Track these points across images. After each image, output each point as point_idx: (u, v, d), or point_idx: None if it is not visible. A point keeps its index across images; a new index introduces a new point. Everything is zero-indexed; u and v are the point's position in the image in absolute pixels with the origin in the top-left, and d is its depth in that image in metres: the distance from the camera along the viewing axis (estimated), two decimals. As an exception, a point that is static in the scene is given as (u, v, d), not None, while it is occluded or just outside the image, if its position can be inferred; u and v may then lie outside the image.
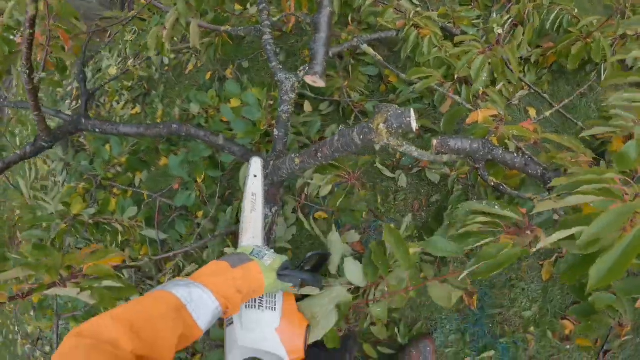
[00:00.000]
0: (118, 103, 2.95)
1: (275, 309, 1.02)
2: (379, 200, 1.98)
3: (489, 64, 1.68)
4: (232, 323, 1.03)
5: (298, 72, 1.51)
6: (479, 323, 1.72)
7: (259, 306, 1.02)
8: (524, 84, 2.10)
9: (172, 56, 2.79)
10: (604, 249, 0.68)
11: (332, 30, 1.42)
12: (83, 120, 1.60)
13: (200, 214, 2.24)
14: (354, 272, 1.16)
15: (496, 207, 0.94)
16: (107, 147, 2.40)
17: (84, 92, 1.76)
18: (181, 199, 2.07)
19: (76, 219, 2.22)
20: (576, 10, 2.17)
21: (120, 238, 2.29)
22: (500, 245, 0.85)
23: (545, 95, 2.16)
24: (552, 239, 0.75)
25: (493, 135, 1.26)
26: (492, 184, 1.24)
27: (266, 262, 1.00)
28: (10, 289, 1.10)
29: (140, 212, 2.24)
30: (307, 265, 1.16)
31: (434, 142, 1.18)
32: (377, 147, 1.09)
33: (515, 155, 1.20)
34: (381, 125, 1.06)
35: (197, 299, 0.81)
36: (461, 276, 0.89)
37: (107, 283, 1.10)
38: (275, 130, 1.52)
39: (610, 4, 2.22)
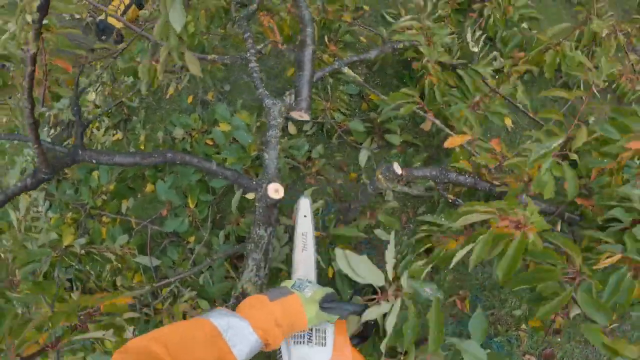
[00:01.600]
0: (98, 130, 3.03)
1: (325, 344, 1.02)
2: (368, 215, 2.12)
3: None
4: (281, 357, 1.04)
5: (284, 97, 1.66)
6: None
7: (308, 341, 1.02)
8: (497, 93, 2.28)
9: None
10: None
11: (314, 66, 1.57)
12: (80, 152, 1.70)
13: (191, 239, 2.35)
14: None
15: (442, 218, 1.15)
16: (95, 174, 2.49)
17: (79, 124, 1.86)
18: (172, 224, 2.18)
19: (68, 250, 2.31)
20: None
21: (111, 267, 2.38)
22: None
23: (519, 105, 2.34)
24: (458, 257, 1.14)
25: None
26: (450, 199, 1.64)
27: (307, 294, 1.01)
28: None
29: (131, 240, 2.34)
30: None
31: (403, 171, 1.53)
32: (384, 191, 1.33)
33: (467, 176, 1.58)
34: (380, 176, 1.57)
35: (234, 328, 0.85)
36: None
37: (127, 315, 1.21)
38: (265, 154, 1.64)
39: (579, 9, 2.42)
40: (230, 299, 1.70)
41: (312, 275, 1.26)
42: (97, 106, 3.05)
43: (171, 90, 2.80)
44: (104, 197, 2.65)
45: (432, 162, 2.16)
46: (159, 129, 2.67)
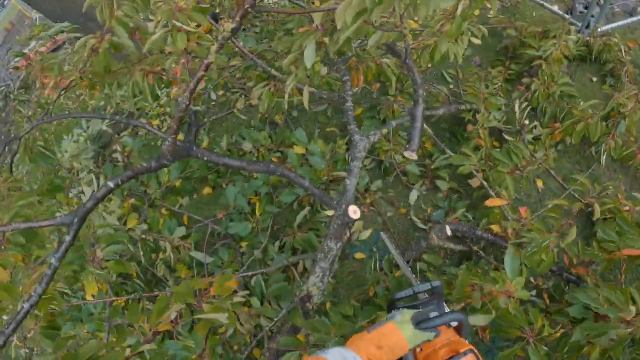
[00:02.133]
0: (159, 128, 3.31)
1: None
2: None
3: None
4: None
5: (369, 135, 1.98)
6: (490, 353, 2.15)
7: None
8: (534, 159, 2.61)
9: (221, 92, 3.20)
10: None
11: (423, 119, 1.91)
12: (194, 148, 1.98)
13: (244, 243, 2.61)
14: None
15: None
16: (165, 169, 2.76)
17: (193, 123, 2.17)
18: (237, 227, 2.44)
19: (128, 232, 2.56)
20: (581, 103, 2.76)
21: (164, 255, 2.63)
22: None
23: (552, 171, 2.68)
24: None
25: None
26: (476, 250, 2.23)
27: (397, 319, 1.15)
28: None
29: (191, 235, 2.60)
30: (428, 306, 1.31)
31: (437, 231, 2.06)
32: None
33: (489, 235, 2.11)
34: (433, 235, 2.06)
35: (339, 356, 1.02)
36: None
37: (236, 299, 1.47)
38: (347, 180, 1.94)
39: (606, 91, 2.80)
40: (293, 299, 1.98)
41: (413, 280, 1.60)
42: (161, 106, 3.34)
43: (239, 104, 3.09)
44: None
45: (472, 209, 2.48)
46: (222, 137, 2.95)
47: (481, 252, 2.29)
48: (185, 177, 2.83)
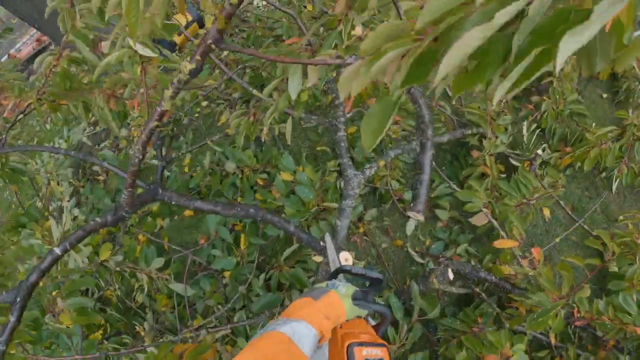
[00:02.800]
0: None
1: (322, 347, 1.16)
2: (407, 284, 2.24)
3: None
4: None
5: (365, 170, 1.78)
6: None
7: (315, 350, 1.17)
8: (543, 189, 2.44)
9: (205, 103, 3.00)
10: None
11: (431, 170, 1.70)
12: (160, 191, 1.77)
13: (227, 274, 2.43)
14: None
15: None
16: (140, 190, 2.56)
17: (160, 160, 1.94)
18: (221, 263, 2.25)
19: (102, 265, 2.37)
20: (593, 124, 2.57)
21: (139, 286, 2.45)
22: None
23: (560, 201, 2.50)
24: None
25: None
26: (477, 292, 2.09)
27: (341, 291, 1.15)
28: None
29: (171, 266, 2.41)
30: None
31: (438, 275, 1.90)
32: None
33: (493, 277, 1.99)
34: (434, 280, 1.90)
35: (298, 331, 0.98)
36: None
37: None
38: (338, 221, 1.76)
39: (622, 116, 2.61)
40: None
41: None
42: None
43: (223, 118, 2.89)
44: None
45: (475, 243, 2.30)
46: (205, 153, 2.75)
47: (483, 294, 2.13)
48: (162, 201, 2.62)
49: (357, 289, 1.20)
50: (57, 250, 1.37)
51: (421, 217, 1.71)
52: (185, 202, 1.78)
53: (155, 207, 2.62)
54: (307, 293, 1.16)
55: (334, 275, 1.30)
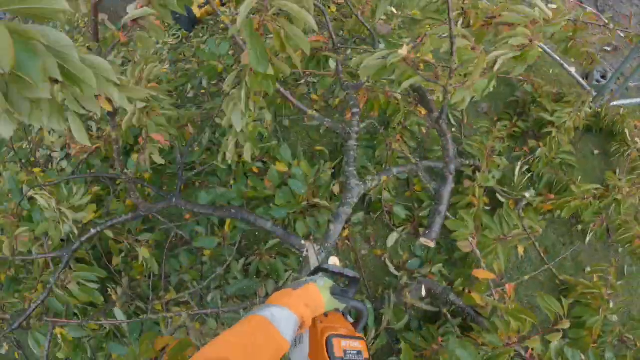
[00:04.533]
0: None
1: (303, 339, 1.20)
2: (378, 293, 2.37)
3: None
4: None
5: (366, 181, 1.91)
6: None
7: (295, 344, 1.21)
8: (523, 229, 2.59)
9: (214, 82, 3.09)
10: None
11: (450, 202, 1.84)
12: (174, 200, 2.12)
13: (207, 252, 2.51)
14: None
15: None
16: (135, 158, 2.62)
17: (180, 179, 2.29)
18: (204, 242, 2.34)
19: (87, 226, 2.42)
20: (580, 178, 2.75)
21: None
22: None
23: (536, 243, 2.67)
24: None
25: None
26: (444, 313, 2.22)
27: (320, 283, 1.21)
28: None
29: (153, 234, 2.48)
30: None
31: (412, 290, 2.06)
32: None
33: (462, 302, 2.12)
34: (407, 294, 2.08)
35: (278, 315, 1.04)
36: None
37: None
38: (332, 225, 1.86)
39: (608, 178, 2.79)
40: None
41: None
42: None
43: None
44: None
45: (450, 267, 2.44)
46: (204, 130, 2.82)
47: (449, 315, 2.25)
48: (155, 169, 2.69)
49: (335, 284, 1.26)
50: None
51: (432, 244, 1.84)
52: (190, 207, 2.11)
53: (147, 175, 2.68)
54: (288, 285, 1.22)
55: (313, 273, 1.36)
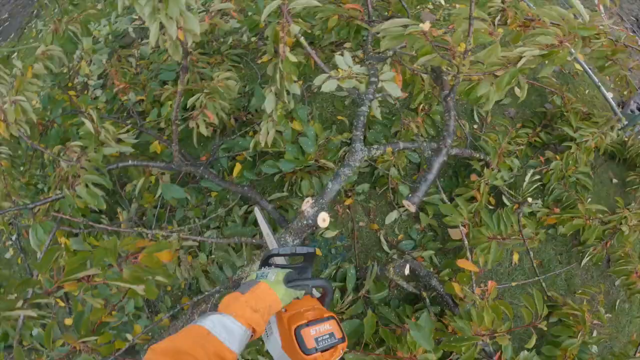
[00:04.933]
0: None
1: (273, 333, 1.20)
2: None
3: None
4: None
5: (371, 149, 1.98)
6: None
7: (267, 336, 1.22)
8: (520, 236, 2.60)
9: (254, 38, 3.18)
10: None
11: (439, 172, 1.91)
12: (206, 175, 2.39)
13: (214, 194, 2.63)
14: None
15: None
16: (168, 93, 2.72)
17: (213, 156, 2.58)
18: (210, 183, 2.45)
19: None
20: (589, 199, 2.75)
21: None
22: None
23: (532, 253, 2.69)
24: None
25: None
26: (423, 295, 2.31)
27: (271, 279, 1.18)
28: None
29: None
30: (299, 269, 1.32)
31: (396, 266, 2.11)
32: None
33: (442, 288, 2.18)
34: (391, 269, 2.15)
35: (219, 324, 1.01)
36: None
37: (159, 278, 1.44)
38: (330, 183, 1.94)
39: (618, 205, 2.79)
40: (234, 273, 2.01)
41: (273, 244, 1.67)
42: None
43: (265, 58, 3.06)
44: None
45: (441, 255, 2.50)
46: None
47: (428, 300, 2.31)
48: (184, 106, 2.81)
49: (290, 270, 1.24)
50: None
51: (413, 209, 1.90)
52: (217, 182, 2.34)
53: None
54: (238, 288, 1.19)
55: (265, 261, 1.32)
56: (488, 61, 1.74)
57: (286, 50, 1.85)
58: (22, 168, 2.78)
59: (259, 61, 3.07)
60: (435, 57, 1.70)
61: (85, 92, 3.49)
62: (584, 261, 2.81)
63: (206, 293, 1.97)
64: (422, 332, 1.74)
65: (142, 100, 3.01)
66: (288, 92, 2.04)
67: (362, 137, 1.99)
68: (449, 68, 1.63)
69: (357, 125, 2.01)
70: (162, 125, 2.89)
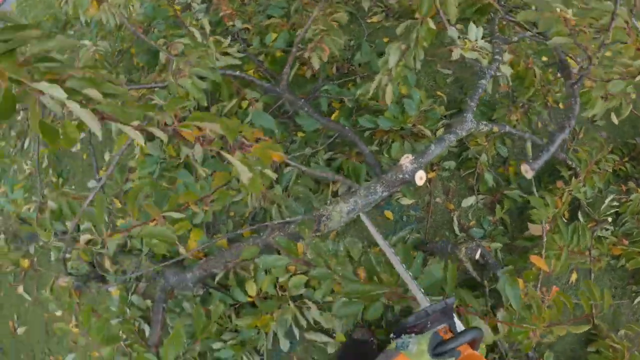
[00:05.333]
0: None
1: None
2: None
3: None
4: None
5: (482, 125, 2.01)
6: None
7: None
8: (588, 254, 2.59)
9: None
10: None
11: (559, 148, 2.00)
12: (300, 103, 2.40)
13: (301, 134, 2.67)
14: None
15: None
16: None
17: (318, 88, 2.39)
18: (304, 120, 2.50)
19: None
20: None
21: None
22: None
23: (592, 275, 2.68)
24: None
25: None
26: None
27: (412, 350, 1.09)
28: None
29: (263, 97, 2.66)
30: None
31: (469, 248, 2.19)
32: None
33: None
34: (463, 249, 2.20)
35: None
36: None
37: (267, 172, 1.44)
38: (432, 145, 1.94)
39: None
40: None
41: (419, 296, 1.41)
42: None
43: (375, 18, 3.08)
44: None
45: (505, 252, 2.51)
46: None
47: (487, 290, 2.31)
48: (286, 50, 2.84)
49: (433, 332, 1.13)
50: None
51: (529, 175, 1.94)
52: (318, 118, 2.39)
53: (278, 53, 2.82)
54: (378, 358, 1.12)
55: (401, 330, 1.20)
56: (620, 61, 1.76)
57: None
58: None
59: (369, 20, 3.10)
60: (568, 42, 1.71)
61: (188, 11, 3.54)
62: (636, 300, 2.80)
63: (287, 219, 2.02)
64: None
65: (247, 29, 3.06)
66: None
67: (474, 109, 2.01)
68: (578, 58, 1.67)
69: (473, 97, 2.04)
70: (261, 58, 2.93)
